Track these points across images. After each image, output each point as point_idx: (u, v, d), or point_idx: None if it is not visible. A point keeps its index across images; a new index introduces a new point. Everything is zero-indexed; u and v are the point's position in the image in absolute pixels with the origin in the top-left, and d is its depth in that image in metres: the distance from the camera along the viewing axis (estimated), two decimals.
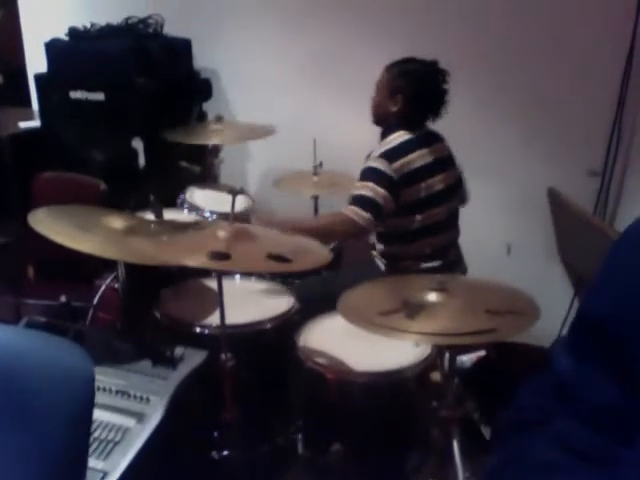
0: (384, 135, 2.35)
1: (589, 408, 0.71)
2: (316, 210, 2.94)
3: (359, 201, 2.20)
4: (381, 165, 2.22)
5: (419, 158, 2.27)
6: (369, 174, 2.24)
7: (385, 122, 2.39)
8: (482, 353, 2.40)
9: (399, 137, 2.29)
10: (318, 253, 1.79)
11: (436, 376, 1.85)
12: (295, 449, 2.01)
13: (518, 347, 2.34)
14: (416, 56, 2.35)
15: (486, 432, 2.26)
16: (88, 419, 0.86)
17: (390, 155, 2.24)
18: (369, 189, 2.20)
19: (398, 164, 2.23)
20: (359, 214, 2.18)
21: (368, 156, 2.33)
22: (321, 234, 2.09)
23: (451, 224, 2.43)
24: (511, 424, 0.80)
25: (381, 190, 2.20)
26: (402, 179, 2.22)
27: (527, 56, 2.75)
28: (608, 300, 0.73)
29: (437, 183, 2.30)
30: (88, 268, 2.30)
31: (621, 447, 0.67)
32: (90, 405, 0.85)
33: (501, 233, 2.95)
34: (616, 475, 0.66)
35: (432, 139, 2.36)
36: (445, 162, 2.37)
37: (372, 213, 2.19)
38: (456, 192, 2.42)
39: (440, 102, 2.33)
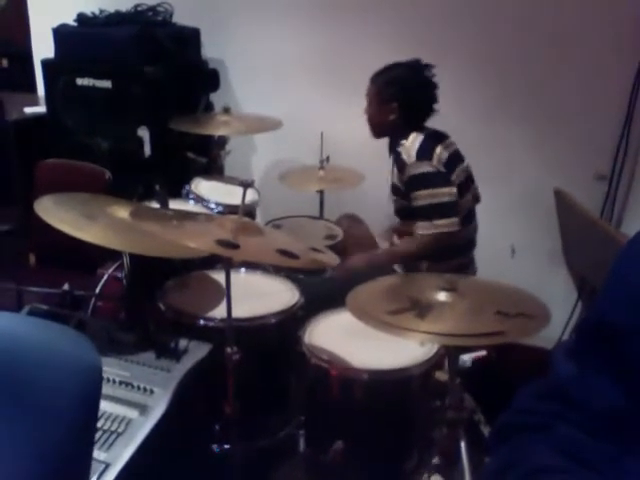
0: (394, 144, 2.33)
1: (591, 414, 0.70)
2: (321, 205, 2.93)
3: (438, 210, 2.18)
4: (426, 167, 2.21)
5: (441, 153, 2.27)
6: (424, 180, 2.21)
7: (387, 132, 2.38)
8: (483, 353, 2.39)
9: (415, 139, 2.28)
10: (325, 255, 1.79)
11: (440, 375, 1.84)
12: (296, 445, 2.00)
13: (519, 348, 2.34)
14: (420, 57, 2.35)
15: (486, 432, 2.25)
16: (95, 410, 0.85)
17: (423, 154, 2.24)
18: (437, 195, 2.18)
19: (435, 159, 2.23)
20: (447, 223, 2.17)
21: (400, 169, 2.29)
22: (421, 255, 2.18)
23: (467, 221, 2.39)
24: (511, 427, 0.79)
25: (446, 189, 2.19)
26: (446, 169, 2.24)
27: (536, 60, 2.73)
28: (619, 304, 0.72)
29: (455, 177, 2.29)
30: (91, 256, 2.28)
31: (623, 454, 0.67)
32: (97, 395, 0.84)
33: (506, 235, 2.93)
34: None
35: (440, 136, 2.36)
36: (457, 157, 2.37)
37: (456, 214, 2.19)
38: (470, 187, 2.41)
39: (433, 96, 2.33)
